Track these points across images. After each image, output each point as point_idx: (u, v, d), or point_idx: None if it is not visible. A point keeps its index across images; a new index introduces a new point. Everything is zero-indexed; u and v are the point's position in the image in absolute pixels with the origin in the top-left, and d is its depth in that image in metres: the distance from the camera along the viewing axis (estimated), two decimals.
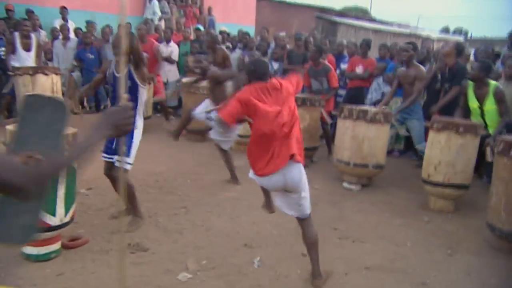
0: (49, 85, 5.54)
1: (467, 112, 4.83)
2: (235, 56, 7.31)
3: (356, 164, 4.75)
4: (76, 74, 6.94)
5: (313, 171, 5.44)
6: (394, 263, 3.25)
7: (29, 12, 7.23)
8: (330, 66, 5.98)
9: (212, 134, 4.56)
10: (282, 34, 8.29)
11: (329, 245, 3.46)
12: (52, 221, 2.80)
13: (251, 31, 11.06)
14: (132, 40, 3.22)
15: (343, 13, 18.62)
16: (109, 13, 9.01)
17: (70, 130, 2.90)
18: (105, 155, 3.41)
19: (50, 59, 6.79)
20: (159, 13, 9.69)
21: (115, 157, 3.36)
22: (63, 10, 7.69)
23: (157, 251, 3.15)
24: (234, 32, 8.89)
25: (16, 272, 2.75)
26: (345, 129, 4.82)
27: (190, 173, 4.90)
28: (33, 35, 6.22)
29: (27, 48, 6.10)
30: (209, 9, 11.07)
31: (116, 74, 3.33)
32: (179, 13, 10.49)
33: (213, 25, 10.54)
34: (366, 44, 6.69)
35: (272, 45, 7.77)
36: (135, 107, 3.35)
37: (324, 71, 5.77)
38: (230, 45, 7.87)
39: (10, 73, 5.70)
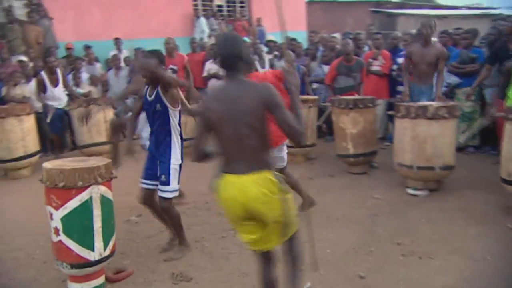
0: (101, 116, 5.74)
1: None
2: (282, 64, 7.09)
3: (420, 167, 4.26)
4: (130, 101, 7.15)
5: (373, 177, 5.01)
6: (472, 283, 2.76)
7: (87, 48, 7.66)
8: (363, 60, 5.79)
9: None
10: (335, 35, 7.93)
11: (391, 263, 3.07)
12: (91, 256, 2.75)
13: (303, 36, 10.75)
14: (149, 64, 3.12)
15: (402, 4, 17.54)
16: (157, 38, 9.28)
17: (103, 162, 2.86)
18: (145, 181, 3.33)
19: (106, 90, 7.09)
20: (207, 31, 9.79)
21: (159, 186, 3.25)
22: (117, 41, 8.04)
23: (200, 279, 2.98)
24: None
25: None
26: (404, 129, 4.35)
27: None
28: (58, 70, 6.25)
29: (55, 84, 6.15)
30: (259, 20, 10.97)
31: (148, 98, 3.26)
32: (228, 28, 10.53)
33: (263, 35, 10.43)
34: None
35: (322, 48, 7.44)
36: (168, 131, 3.26)
37: (359, 66, 5.57)
38: (278, 54, 7.66)
39: (66, 108, 5.99)
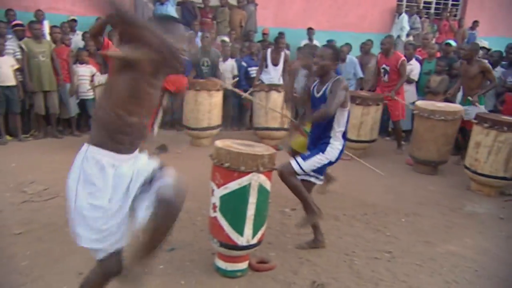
0: (280, 101, 5.84)
1: None
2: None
3: None
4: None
5: None
6: None
7: (280, 34, 7.94)
8: None
9: None
10: None
11: None
12: (239, 240, 2.77)
13: None
14: (325, 53, 2.94)
15: None
16: (355, 32, 9.01)
17: (268, 151, 2.82)
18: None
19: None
20: (408, 28, 9.01)
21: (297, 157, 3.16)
22: (310, 31, 8.10)
23: None
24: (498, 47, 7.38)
25: (206, 282, 2.84)
26: None
27: (407, 211, 4.18)
28: (282, 52, 6.68)
29: (276, 63, 6.60)
30: (475, 23, 9.55)
31: (316, 94, 3.10)
32: (431, 28, 9.51)
33: (473, 40, 9.09)
34: None
35: None
36: (329, 129, 3.07)
37: None
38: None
39: (251, 88, 6.32)
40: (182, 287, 2.74)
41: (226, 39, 7.41)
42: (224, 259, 2.89)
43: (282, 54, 6.67)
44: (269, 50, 6.70)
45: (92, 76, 6.27)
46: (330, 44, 3.27)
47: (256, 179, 2.71)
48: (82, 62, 6.26)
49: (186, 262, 3.05)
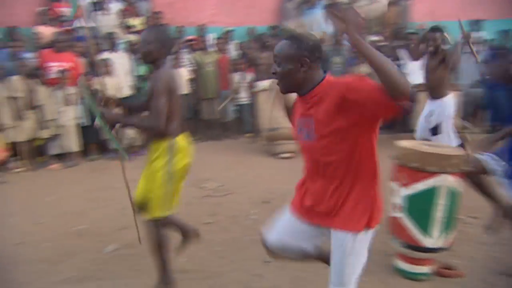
0: None
1: None
2: None
3: None
4: None
5: None
6: None
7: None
8: None
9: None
10: None
11: None
12: (426, 242, 2.66)
13: None
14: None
15: None
16: None
17: (456, 152, 2.67)
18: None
19: None
20: None
21: None
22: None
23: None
24: None
25: (389, 282, 2.80)
26: None
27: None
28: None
29: (415, 58, 6.10)
30: None
31: None
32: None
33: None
34: None
35: None
36: None
37: None
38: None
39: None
40: (367, 284, 2.75)
41: (377, 38, 7.22)
42: (406, 260, 2.81)
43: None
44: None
45: (250, 82, 6.73)
46: None
47: (445, 180, 2.58)
48: (238, 70, 6.78)
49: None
